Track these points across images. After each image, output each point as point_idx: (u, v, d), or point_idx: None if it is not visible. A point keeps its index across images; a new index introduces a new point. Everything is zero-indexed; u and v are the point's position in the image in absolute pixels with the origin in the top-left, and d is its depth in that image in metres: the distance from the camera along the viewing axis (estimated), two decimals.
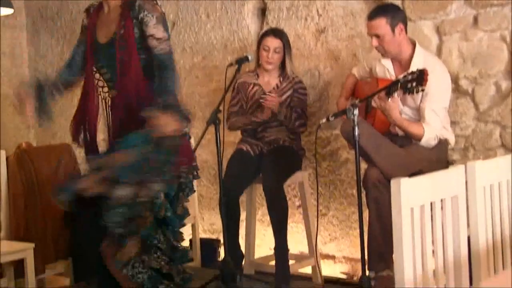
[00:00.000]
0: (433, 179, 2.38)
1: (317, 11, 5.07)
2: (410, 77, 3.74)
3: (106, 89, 3.48)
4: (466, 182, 2.50)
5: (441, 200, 2.38)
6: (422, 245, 2.28)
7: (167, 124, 3.13)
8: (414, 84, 3.72)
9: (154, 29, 3.33)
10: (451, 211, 2.41)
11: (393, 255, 2.30)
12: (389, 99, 3.89)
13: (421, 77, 3.70)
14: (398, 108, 3.99)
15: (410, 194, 2.22)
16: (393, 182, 2.20)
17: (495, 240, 2.59)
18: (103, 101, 3.49)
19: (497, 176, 2.65)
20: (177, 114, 3.17)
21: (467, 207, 2.51)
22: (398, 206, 2.20)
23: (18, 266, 4.79)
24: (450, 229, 2.40)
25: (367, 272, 3.86)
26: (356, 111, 3.74)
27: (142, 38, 3.36)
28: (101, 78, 3.48)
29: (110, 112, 3.45)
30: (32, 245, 4.71)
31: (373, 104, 3.99)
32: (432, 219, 2.35)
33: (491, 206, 2.59)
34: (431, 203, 2.33)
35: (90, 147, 3.55)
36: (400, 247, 2.20)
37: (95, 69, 3.48)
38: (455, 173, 2.46)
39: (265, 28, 5.18)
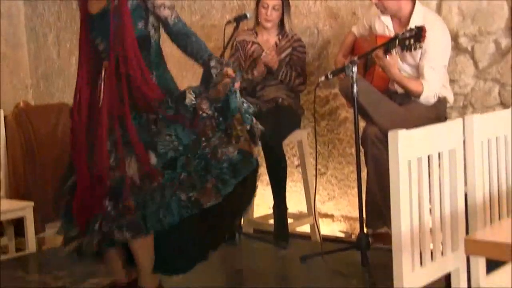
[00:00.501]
0: (430, 132, 2.38)
1: None
2: (408, 34, 3.74)
3: (100, 59, 3.39)
4: (464, 136, 2.51)
5: (439, 154, 2.38)
6: (419, 197, 2.29)
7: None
8: (412, 41, 3.72)
9: None
10: (449, 165, 2.41)
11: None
12: (387, 56, 3.89)
13: (419, 34, 3.69)
14: (397, 64, 3.98)
15: (408, 146, 2.23)
16: (390, 134, 2.21)
17: (492, 194, 2.59)
18: (98, 71, 3.39)
19: (495, 131, 2.63)
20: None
21: (464, 161, 2.52)
22: (395, 158, 2.20)
23: (19, 225, 4.84)
24: (447, 183, 2.41)
25: (365, 230, 3.90)
26: (354, 68, 3.76)
27: (142, 7, 3.31)
28: (97, 49, 3.39)
29: (103, 82, 3.35)
30: (32, 203, 4.75)
31: (374, 60, 3.98)
32: (429, 173, 2.36)
33: (489, 161, 2.59)
34: (428, 156, 2.34)
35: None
36: (397, 199, 2.21)
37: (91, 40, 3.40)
38: (453, 126, 2.45)
39: None
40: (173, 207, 3.20)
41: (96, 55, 3.36)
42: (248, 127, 3.34)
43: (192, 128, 3.24)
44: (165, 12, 3.30)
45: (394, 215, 2.24)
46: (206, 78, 3.32)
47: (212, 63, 3.30)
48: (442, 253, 2.42)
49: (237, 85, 3.31)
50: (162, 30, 3.45)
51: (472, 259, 2.52)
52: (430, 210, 2.39)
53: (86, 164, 3.30)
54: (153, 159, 3.21)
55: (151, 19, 3.33)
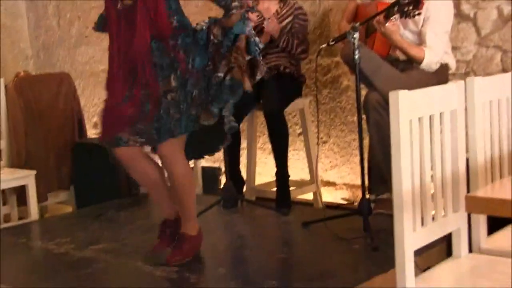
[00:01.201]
0: (432, 93, 2.39)
1: None
2: (407, 0, 3.73)
3: None
4: (466, 97, 2.52)
5: (440, 114, 2.40)
6: (421, 157, 2.31)
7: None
8: (410, 7, 3.72)
9: None
10: (450, 125, 2.42)
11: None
12: (388, 23, 3.89)
13: (417, 0, 3.69)
14: (398, 31, 3.99)
15: (409, 106, 2.23)
16: (391, 94, 2.22)
17: (493, 155, 2.61)
18: (116, 7, 3.42)
19: (496, 93, 2.64)
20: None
21: (466, 123, 2.53)
22: (396, 118, 2.20)
23: (21, 194, 4.88)
24: (448, 143, 2.42)
25: (367, 195, 3.92)
26: (356, 34, 3.75)
27: None
28: None
29: (122, 16, 3.39)
30: (34, 172, 4.78)
31: (375, 26, 3.98)
32: (431, 133, 2.37)
33: (490, 122, 2.60)
34: (430, 117, 2.35)
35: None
36: (398, 158, 2.22)
37: None
38: (454, 87, 2.46)
39: None
40: (183, 121, 3.37)
41: None
42: (248, 57, 3.42)
43: (205, 53, 3.37)
44: None
45: (395, 175, 2.25)
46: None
47: (234, 4, 3.37)
48: (443, 213, 2.45)
49: (251, 16, 3.42)
50: None
51: (473, 219, 2.55)
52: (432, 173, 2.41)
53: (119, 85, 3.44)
54: (173, 82, 3.35)
55: None
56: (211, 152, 3.77)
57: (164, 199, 3.68)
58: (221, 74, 3.35)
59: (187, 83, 3.37)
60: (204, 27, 3.41)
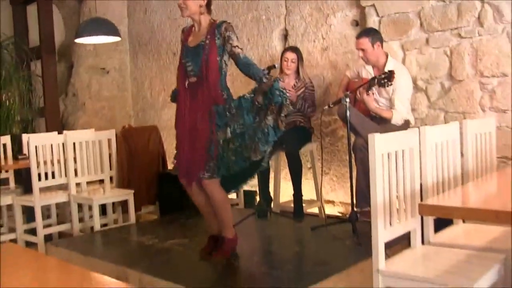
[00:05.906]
0: (396, 136, 2.41)
1: (322, 35, 5.10)
2: (383, 75, 3.77)
3: (187, 75, 3.46)
4: (420, 140, 2.53)
5: (403, 150, 2.42)
6: (389, 179, 2.32)
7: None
8: (385, 80, 3.76)
9: (237, 42, 3.38)
10: (409, 157, 2.44)
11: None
12: (368, 94, 3.92)
13: (390, 75, 3.73)
14: (373, 100, 4.01)
15: (381, 145, 2.26)
16: (369, 136, 2.25)
17: (438, 179, 2.61)
18: (186, 83, 3.48)
19: (441, 137, 2.67)
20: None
21: (420, 157, 2.54)
22: (373, 152, 2.24)
23: (124, 205, 4.95)
24: (408, 169, 2.44)
25: (355, 209, 3.91)
26: (347, 99, 3.78)
27: (222, 47, 3.37)
28: (186, 68, 3.47)
29: (189, 90, 3.45)
30: (132, 191, 4.85)
31: (357, 97, 4.02)
32: (396, 163, 2.38)
33: (436, 157, 2.61)
34: (395, 152, 2.37)
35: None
36: (374, 181, 2.24)
37: (183, 62, 3.48)
38: (411, 132, 2.49)
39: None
40: (239, 161, 3.34)
41: (185, 72, 3.46)
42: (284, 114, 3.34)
43: (251, 113, 3.31)
44: (237, 50, 3.36)
45: (372, 192, 2.27)
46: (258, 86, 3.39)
47: (264, 79, 3.34)
48: (405, 218, 2.45)
49: (281, 83, 3.32)
50: (228, 66, 3.48)
51: (424, 221, 2.54)
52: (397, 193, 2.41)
53: (184, 139, 3.44)
54: (228, 133, 3.32)
55: (225, 56, 3.40)
56: (244, 183, 3.64)
57: (211, 221, 3.58)
58: (270, 123, 3.26)
59: (244, 135, 3.31)
60: (249, 97, 3.36)
